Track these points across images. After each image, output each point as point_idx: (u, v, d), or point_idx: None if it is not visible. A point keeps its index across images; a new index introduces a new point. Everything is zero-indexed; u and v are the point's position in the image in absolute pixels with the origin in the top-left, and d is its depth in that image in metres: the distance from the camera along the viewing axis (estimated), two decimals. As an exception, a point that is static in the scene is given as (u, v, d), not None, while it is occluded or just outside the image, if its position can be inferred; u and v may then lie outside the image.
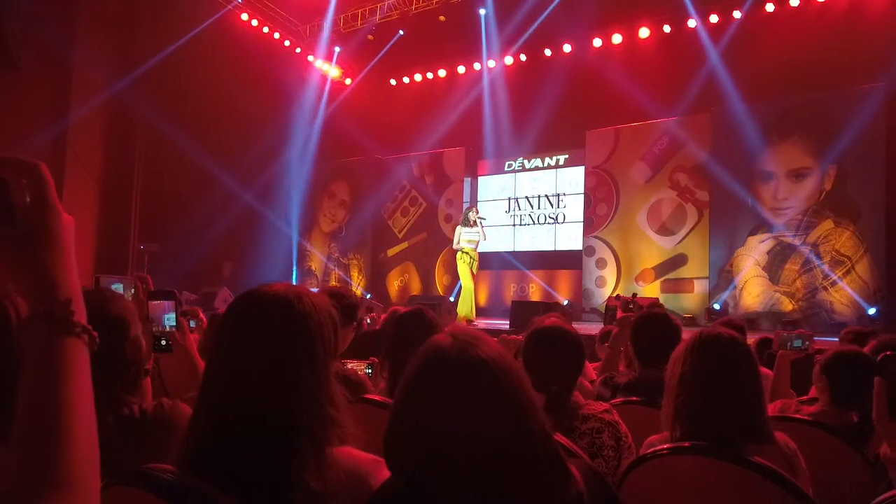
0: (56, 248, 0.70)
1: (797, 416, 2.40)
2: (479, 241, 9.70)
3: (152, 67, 10.99)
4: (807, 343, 3.02)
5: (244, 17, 12.74)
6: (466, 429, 0.97)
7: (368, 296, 12.92)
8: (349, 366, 2.90)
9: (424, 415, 1.01)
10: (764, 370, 3.39)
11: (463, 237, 9.65)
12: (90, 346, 0.70)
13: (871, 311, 8.75)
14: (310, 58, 13.92)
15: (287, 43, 13.61)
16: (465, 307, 9.58)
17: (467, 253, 9.59)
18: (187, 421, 1.37)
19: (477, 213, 9.81)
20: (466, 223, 9.66)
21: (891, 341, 3.01)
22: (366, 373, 2.94)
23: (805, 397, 2.70)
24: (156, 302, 1.92)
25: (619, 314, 3.26)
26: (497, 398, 1.00)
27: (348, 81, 14.50)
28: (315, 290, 1.49)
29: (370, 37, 13.00)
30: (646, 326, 2.78)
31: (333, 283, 14.27)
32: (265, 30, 13.15)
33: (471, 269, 9.59)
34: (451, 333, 1.08)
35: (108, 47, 11.14)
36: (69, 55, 10.37)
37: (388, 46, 12.94)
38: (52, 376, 0.66)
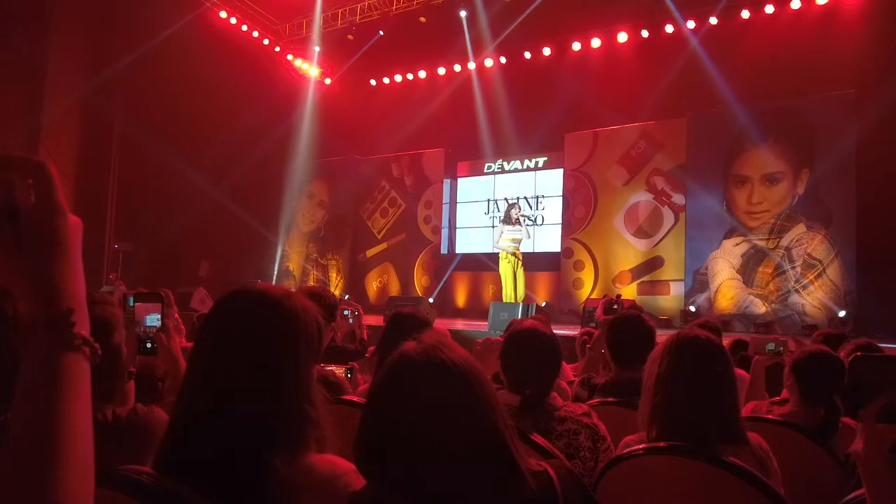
0: (61, 252, 0.66)
1: (768, 416, 2.44)
2: (522, 240, 9.04)
3: (128, 66, 10.84)
4: (780, 347, 3.07)
5: (222, 14, 12.61)
6: (424, 427, 1.00)
7: (347, 297, 12.87)
8: (328, 369, 2.89)
9: (388, 415, 1.04)
10: (738, 371, 3.44)
11: (505, 236, 8.98)
12: (91, 358, 0.66)
13: (842, 313, 8.93)
14: (289, 57, 13.83)
15: (266, 42, 13.50)
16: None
17: (513, 253, 8.91)
18: (162, 426, 1.35)
19: (520, 210, 9.18)
20: (508, 221, 9.02)
21: (865, 345, 3.08)
22: (345, 377, 2.94)
23: (777, 398, 2.75)
24: (142, 304, 1.88)
25: (600, 315, 3.28)
26: (455, 397, 1.03)
27: (328, 81, 14.43)
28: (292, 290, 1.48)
29: (350, 37, 12.95)
30: (621, 328, 2.80)
31: (312, 283, 14.18)
32: (244, 28, 13.03)
33: (514, 270, 8.89)
34: (418, 339, 1.10)
35: (82, 46, 10.97)
36: (43, 53, 10.20)
37: (366, 46, 12.90)
38: (48, 393, 0.62)
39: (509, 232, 8.98)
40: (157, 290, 2.02)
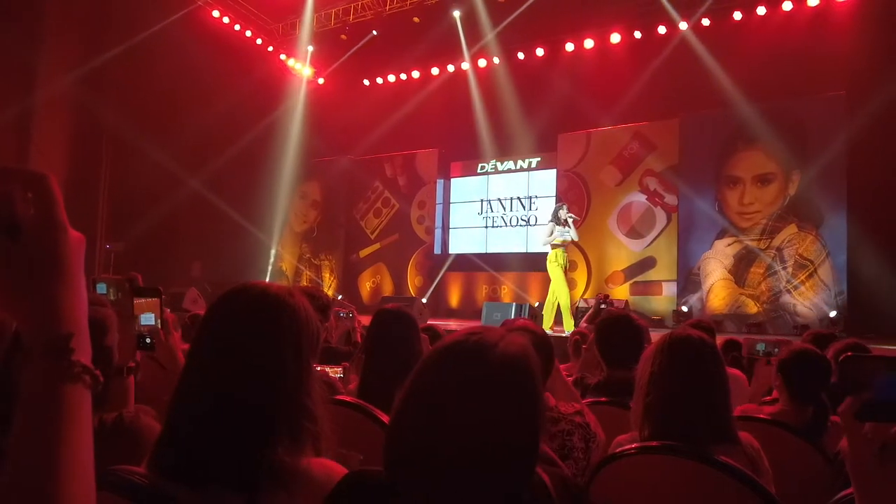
0: (61, 270, 0.61)
1: (758, 416, 2.46)
2: (570, 241, 8.76)
3: (120, 65, 10.79)
4: (775, 349, 3.08)
5: (215, 13, 12.58)
6: (464, 419, 0.90)
7: (340, 297, 12.85)
8: (319, 369, 2.89)
9: (428, 399, 0.94)
10: (732, 371, 3.47)
11: (556, 237, 8.68)
12: (93, 387, 0.62)
13: (833, 313, 8.99)
14: (282, 56, 13.80)
15: (259, 41, 13.47)
16: (551, 317, 8.51)
17: (562, 254, 8.62)
18: (149, 433, 1.34)
19: (568, 210, 8.85)
20: (558, 222, 8.70)
21: (854, 344, 3.10)
22: (336, 377, 2.94)
23: (769, 398, 2.77)
24: (141, 299, 1.86)
25: (582, 328, 3.30)
26: (494, 393, 0.92)
27: (321, 81, 14.41)
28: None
29: (343, 36, 12.94)
30: (609, 329, 2.81)
31: (305, 283, 14.16)
32: (237, 27, 13.00)
33: (564, 271, 8.62)
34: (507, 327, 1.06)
35: (73, 45, 10.91)
36: (34, 52, 10.13)
37: (358, 45, 12.89)
38: (46, 427, 0.58)
39: (560, 233, 8.65)
40: (137, 281, 1.99)
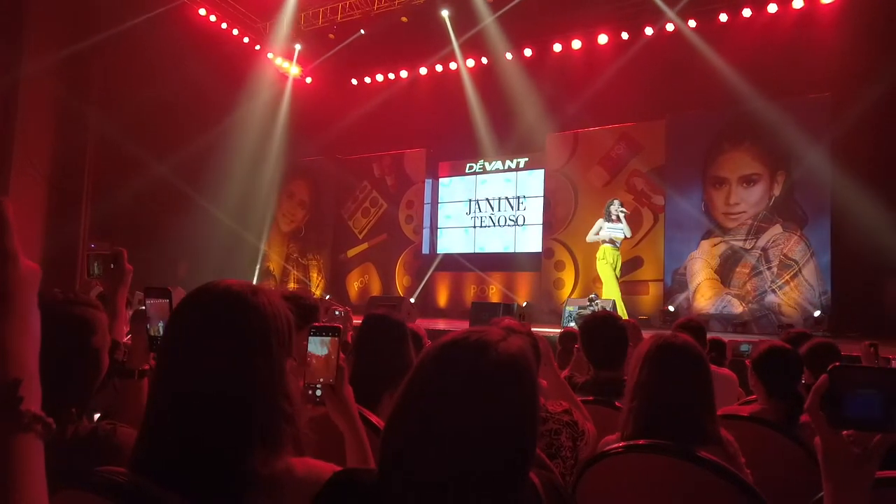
0: (10, 308, 0.56)
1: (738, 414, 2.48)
2: (622, 239, 8.65)
3: (104, 63, 10.68)
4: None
5: (202, 12, 12.48)
6: (462, 419, 0.90)
7: (328, 297, 12.81)
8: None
9: (429, 399, 0.93)
10: (722, 370, 3.50)
11: (603, 233, 8.59)
12: (44, 434, 0.57)
13: (817, 313, 9.08)
14: (269, 55, 13.73)
15: (246, 40, 13.39)
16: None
17: (611, 251, 8.52)
18: (127, 443, 1.31)
19: (621, 206, 8.72)
20: (609, 217, 8.60)
21: (825, 343, 3.13)
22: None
23: (752, 397, 2.79)
24: (154, 300, 1.83)
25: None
26: (513, 398, 0.94)
27: (309, 80, 14.35)
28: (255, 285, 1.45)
29: (331, 36, 12.90)
30: (593, 330, 2.82)
31: (292, 283, 14.11)
32: (223, 25, 12.92)
33: (614, 269, 8.50)
34: (504, 328, 1.04)
35: (56, 42, 10.77)
36: (17, 51, 10.01)
37: (343, 43, 12.85)
38: None
39: (609, 230, 8.58)
40: (122, 255, 1.94)
